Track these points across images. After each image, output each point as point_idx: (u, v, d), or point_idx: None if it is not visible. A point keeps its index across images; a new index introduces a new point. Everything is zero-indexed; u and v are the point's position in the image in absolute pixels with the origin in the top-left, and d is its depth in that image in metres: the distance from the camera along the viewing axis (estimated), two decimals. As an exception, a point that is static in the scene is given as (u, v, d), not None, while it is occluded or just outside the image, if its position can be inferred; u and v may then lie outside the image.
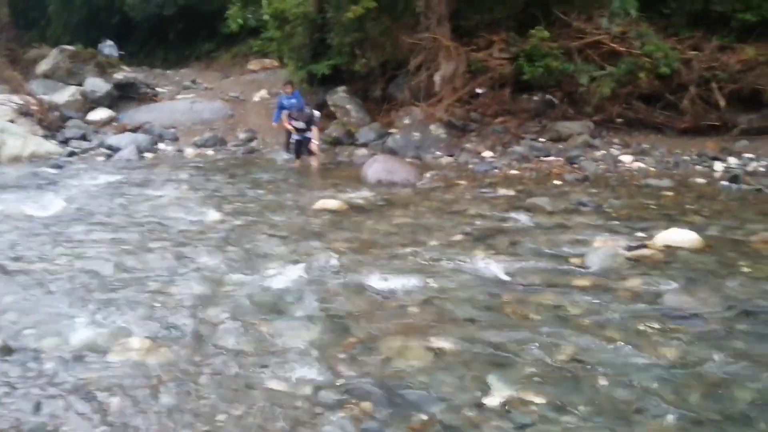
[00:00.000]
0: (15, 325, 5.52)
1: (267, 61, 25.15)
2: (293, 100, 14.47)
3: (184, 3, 27.93)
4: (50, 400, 4.30)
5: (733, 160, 12.31)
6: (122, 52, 27.09)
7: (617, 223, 8.54)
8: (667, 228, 7.76)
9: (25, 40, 28.66)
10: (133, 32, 28.45)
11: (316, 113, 14.56)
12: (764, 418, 3.97)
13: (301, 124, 13.80)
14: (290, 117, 14.09)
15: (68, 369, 4.72)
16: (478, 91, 15.95)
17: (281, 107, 14.61)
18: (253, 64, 26.18)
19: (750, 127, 13.64)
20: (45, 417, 4.10)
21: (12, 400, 4.30)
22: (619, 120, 14.72)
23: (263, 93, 21.22)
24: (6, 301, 6.09)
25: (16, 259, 7.44)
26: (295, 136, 14.05)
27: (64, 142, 17.69)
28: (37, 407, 4.19)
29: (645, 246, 7.32)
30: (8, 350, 4.99)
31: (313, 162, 13.99)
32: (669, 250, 7.19)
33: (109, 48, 26.86)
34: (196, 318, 5.64)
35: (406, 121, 15.86)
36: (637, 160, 12.71)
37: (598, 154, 13.29)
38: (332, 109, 17.38)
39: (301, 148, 14.14)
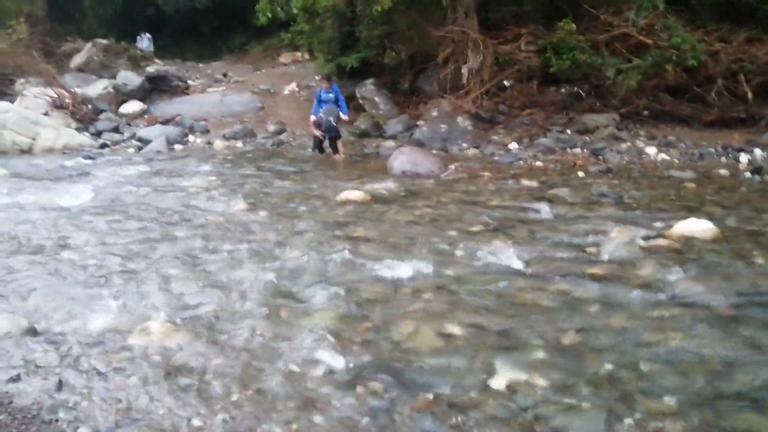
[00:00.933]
0: (41, 309, 5.76)
1: (298, 54, 25.41)
2: (331, 95, 14.48)
3: (216, -4, 28.29)
4: (71, 379, 4.50)
5: (759, 152, 12.22)
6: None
7: (637, 213, 8.58)
8: (685, 218, 7.77)
9: (60, 34, 29.20)
10: (166, 25, 28.88)
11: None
12: (765, 402, 4.05)
13: (331, 123, 13.94)
14: (320, 115, 14.24)
15: (90, 351, 4.92)
16: (506, 83, 16.02)
17: (320, 100, 14.64)
18: (284, 57, 26.47)
19: (777, 119, 13.53)
20: (66, 395, 4.30)
21: (35, 379, 4.50)
22: (646, 112, 14.72)
23: (293, 86, 21.47)
24: (33, 286, 6.34)
25: (45, 246, 7.71)
26: (318, 132, 14.27)
27: (96, 134, 18.10)
28: (59, 386, 4.39)
29: (661, 236, 7.38)
30: (34, 332, 5.21)
31: (337, 156, 14.13)
32: (685, 239, 7.24)
33: (147, 41, 27.39)
34: (216, 303, 5.82)
35: (434, 113, 15.97)
36: (661, 152, 12.68)
37: (624, 146, 13.29)
38: (361, 101, 17.55)
39: (327, 143, 14.32)
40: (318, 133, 14.23)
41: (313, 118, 14.36)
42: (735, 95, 13.97)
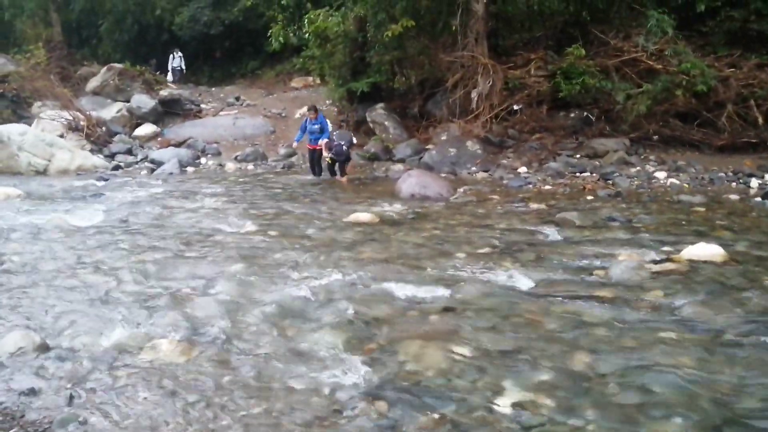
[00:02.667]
0: (53, 325, 5.83)
1: (309, 79, 25.60)
2: (316, 126, 14.67)
3: (230, 22, 28.54)
4: (82, 394, 4.54)
5: (769, 177, 12.24)
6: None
7: (645, 237, 8.58)
8: (694, 243, 7.77)
9: (77, 58, 29.57)
10: (181, 50, 29.09)
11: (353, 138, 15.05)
12: (771, 426, 4.05)
13: (342, 147, 14.05)
14: (333, 138, 14.37)
15: (100, 367, 4.97)
16: (516, 107, 16.08)
17: (304, 130, 14.97)
18: (296, 82, 26.67)
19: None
20: (77, 409, 4.34)
21: (47, 393, 4.56)
22: (656, 137, 14.74)
23: (304, 110, 21.51)
24: (46, 303, 6.42)
25: (58, 264, 7.79)
26: (327, 154, 14.38)
27: (110, 156, 18.29)
28: (70, 400, 4.44)
29: (670, 260, 7.39)
30: (46, 348, 5.28)
31: (343, 179, 14.19)
32: (693, 264, 7.24)
33: (179, 59, 27.72)
34: (225, 322, 5.86)
35: (443, 137, 16.06)
36: (671, 177, 12.70)
37: (633, 170, 13.31)
38: (371, 125, 17.66)
39: (335, 167, 14.43)
40: (328, 155, 14.31)
41: (324, 140, 14.40)
42: (746, 120, 13.99)
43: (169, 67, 28.25)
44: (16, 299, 6.56)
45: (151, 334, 5.59)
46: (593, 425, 4.05)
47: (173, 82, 27.96)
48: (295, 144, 15.88)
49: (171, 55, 28.16)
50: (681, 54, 14.26)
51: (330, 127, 15.14)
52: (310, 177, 14.84)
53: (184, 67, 28.55)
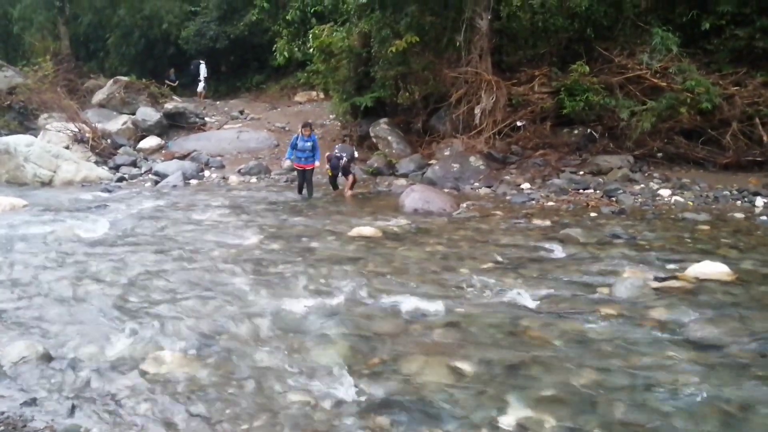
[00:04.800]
0: (57, 336, 5.84)
1: (313, 94, 25.67)
2: (308, 143, 14.03)
3: (235, 36, 28.66)
4: (84, 404, 4.55)
5: (774, 196, 12.20)
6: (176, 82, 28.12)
7: (650, 254, 8.53)
8: (699, 261, 7.74)
9: (84, 71, 29.72)
10: (187, 64, 29.22)
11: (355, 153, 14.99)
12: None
13: (344, 160, 14.04)
14: (332, 154, 14.34)
15: (103, 377, 4.98)
16: (519, 124, 16.08)
17: (294, 147, 14.21)
18: (300, 96, 26.75)
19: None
20: (78, 419, 4.34)
21: (49, 403, 4.57)
22: (660, 155, 14.70)
23: (308, 121, 21.60)
24: (51, 314, 6.43)
25: (62, 275, 7.79)
26: (328, 167, 14.37)
27: (115, 168, 18.33)
28: (72, 410, 4.44)
29: (674, 277, 7.36)
30: (49, 358, 5.29)
31: (347, 192, 14.15)
32: (698, 282, 7.20)
33: (203, 69, 27.86)
34: (227, 335, 5.86)
35: (447, 152, 16.04)
36: (675, 194, 12.65)
37: (637, 188, 13.27)
38: (374, 140, 17.66)
39: (337, 179, 14.44)
40: (328, 167, 14.32)
41: (327, 155, 14.37)
42: (751, 139, 13.92)
43: (201, 77, 28.30)
44: (21, 309, 6.58)
45: (154, 346, 5.60)
46: (598, 443, 4.03)
47: (199, 92, 28.23)
48: (286, 163, 15.47)
49: (201, 66, 28.20)
50: (686, 71, 14.23)
51: (319, 147, 14.49)
52: (298, 196, 14.15)
53: (207, 74, 28.61)
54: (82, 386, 4.83)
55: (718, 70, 14.87)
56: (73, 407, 4.48)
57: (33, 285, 7.41)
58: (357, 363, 5.24)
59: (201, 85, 28.24)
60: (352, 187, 14.25)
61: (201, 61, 28.23)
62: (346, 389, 4.77)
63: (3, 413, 4.42)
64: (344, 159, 14.11)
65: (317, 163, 14.23)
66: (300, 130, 14.43)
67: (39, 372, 5.05)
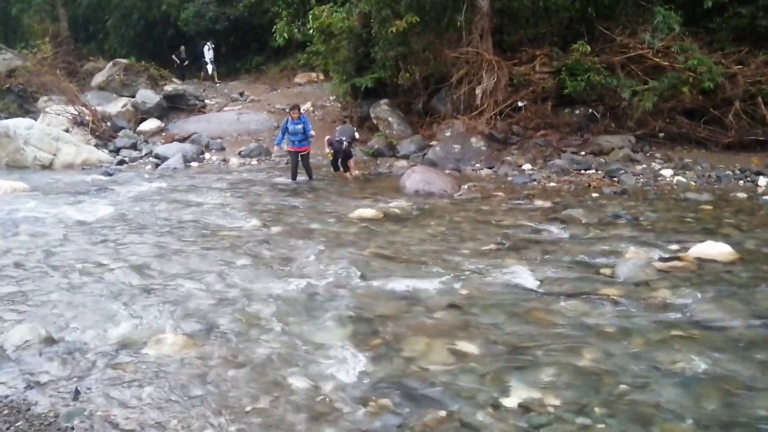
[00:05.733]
0: (60, 319, 5.85)
1: (313, 75, 25.54)
2: (299, 126, 13.75)
3: (235, 18, 28.49)
4: (88, 388, 4.55)
5: (776, 175, 12.15)
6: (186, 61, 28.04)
7: (652, 235, 8.52)
8: (702, 241, 7.71)
9: (84, 53, 29.58)
10: (186, 46, 29.07)
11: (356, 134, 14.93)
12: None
13: (341, 144, 13.97)
14: (333, 137, 14.27)
15: (105, 361, 4.99)
16: (520, 104, 15.99)
17: (286, 131, 13.99)
18: (300, 77, 26.60)
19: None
20: (82, 404, 4.33)
21: (53, 387, 4.58)
22: (662, 134, 14.61)
23: (308, 105, 21.54)
24: (53, 297, 6.43)
25: (64, 258, 7.80)
26: (329, 150, 14.26)
27: (115, 151, 18.30)
28: (75, 394, 4.44)
29: (677, 258, 7.34)
30: (51, 341, 5.29)
31: (348, 175, 14.08)
32: (701, 262, 7.18)
33: (210, 51, 27.72)
34: (229, 317, 5.86)
35: (447, 133, 15.96)
36: (677, 175, 12.60)
37: (639, 168, 13.21)
38: (375, 121, 17.58)
39: (339, 162, 14.34)
40: (329, 151, 14.24)
41: (327, 138, 14.28)
42: (753, 118, 13.83)
43: (207, 59, 28.16)
44: (22, 292, 6.58)
45: (155, 329, 5.61)
46: (602, 425, 4.03)
47: (210, 75, 28.11)
48: (276, 148, 15.04)
49: (206, 47, 28.03)
50: (688, 51, 14.12)
51: (310, 128, 14.12)
52: (291, 182, 13.70)
53: (212, 59, 28.44)
54: (85, 370, 4.83)
55: (720, 49, 14.75)
56: (77, 391, 4.48)
57: (34, 268, 7.41)
58: (359, 345, 5.24)
59: (210, 67, 28.13)
60: (353, 169, 14.19)
61: (207, 43, 28.08)
62: (348, 371, 4.77)
63: (6, 397, 4.43)
64: (345, 143, 14.05)
65: (309, 146, 14.03)
66: (289, 113, 14.26)
67: (42, 356, 5.06)
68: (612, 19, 15.88)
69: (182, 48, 28.93)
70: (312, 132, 14.02)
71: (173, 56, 28.57)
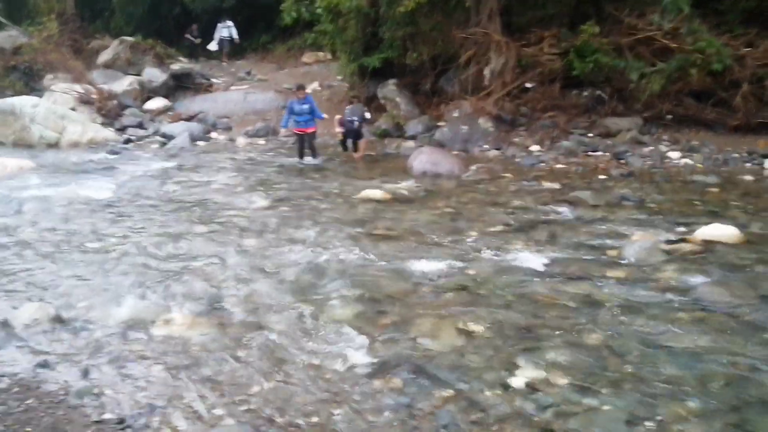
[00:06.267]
0: (68, 298, 5.89)
1: (320, 54, 25.42)
2: (305, 106, 13.62)
3: (242, -5, 28.35)
4: (96, 366, 4.59)
5: (783, 158, 12.11)
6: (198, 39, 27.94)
7: (659, 217, 8.53)
8: (708, 223, 7.71)
9: (90, 31, 29.44)
10: (193, 24, 28.96)
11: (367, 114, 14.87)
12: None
13: (353, 123, 13.92)
14: (346, 114, 14.21)
15: (114, 339, 5.04)
16: (528, 85, 15.94)
17: (291, 112, 13.79)
18: (307, 57, 26.48)
19: (805, 126, 13.36)
20: (91, 381, 4.38)
21: (62, 365, 4.62)
22: (669, 116, 14.55)
23: (315, 85, 21.49)
24: (60, 276, 6.47)
25: (71, 237, 7.85)
26: (340, 129, 14.19)
27: (121, 129, 18.24)
28: (85, 372, 4.49)
29: (684, 240, 7.35)
30: (60, 320, 5.33)
31: (356, 155, 14.06)
32: (707, 244, 7.19)
33: (228, 29, 27.56)
34: (237, 297, 5.90)
35: (455, 114, 15.90)
36: (684, 157, 12.57)
37: (646, 150, 13.19)
38: (382, 101, 17.53)
39: (348, 141, 14.31)
40: (340, 131, 14.20)
41: (338, 117, 14.19)
42: (761, 100, 13.77)
43: (215, 37, 28.03)
44: (31, 271, 6.63)
45: (164, 308, 5.65)
46: (608, 405, 4.06)
47: (219, 53, 27.91)
48: (282, 130, 14.73)
49: (219, 24, 27.88)
50: (696, 32, 14.03)
51: (317, 107, 14.04)
52: (298, 161, 13.59)
53: (236, 36, 28.21)
54: (93, 348, 4.88)
55: (729, 31, 14.65)
56: (86, 369, 4.53)
57: (42, 247, 7.46)
58: (368, 325, 5.29)
59: (213, 45, 27.98)
60: (361, 151, 14.17)
61: (221, 20, 27.90)
62: (356, 351, 4.81)
63: (17, 375, 4.48)
64: (356, 122, 13.98)
65: (318, 122, 13.94)
66: (295, 93, 14.08)
67: (51, 334, 5.11)
68: (621, 0, 15.77)
69: (194, 26, 28.80)
70: (324, 115, 13.99)
71: (186, 35, 28.43)
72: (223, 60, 27.67)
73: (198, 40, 28.28)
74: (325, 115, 13.93)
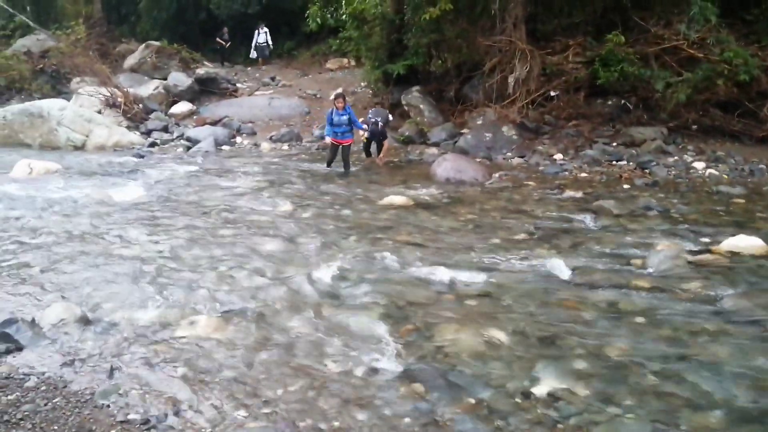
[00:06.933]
0: (93, 299, 5.95)
1: (344, 61, 25.56)
2: (344, 116, 13.19)
3: (267, 2, 28.53)
4: (122, 367, 4.64)
5: (810, 170, 11.99)
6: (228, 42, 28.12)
7: (683, 227, 8.47)
8: (734, 234, 7.66)
9: (116, 36, 29.80)
10: (217, 29, 29.21)
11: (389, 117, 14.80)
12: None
13: (378, 125, 13.84)
14: (369, 116, 14.14)
15: (139, 341, 5.08)
16: (552, 94, 15.91)
17: (331, 123, 13.27)
18: (331, 63, 26.63)
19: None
20: (117, 382, 4.43)
21: (88, 365, 4.67)
22: (695, 127, 14.47)
23: (339, 91, 21.52)
24: (86, 277, 6.54)
25: (97, 239, 7.94)
26: (364, 131, 14.07)
27: (147, 133, 18.43)
28: (111, 373, 4.53)
29: (709, 251, 7.31)
30: (86, 321, 5.39)
31: (378, 160, 14.04)
32: (733, 255, 7.14)
33: (264, 35, 27.80)
34: (261, 301, 5.93)
35: (479, 121, 15.92)
36: (709, 167, 12.47)
37: (671, 160, 13.11)
38: (406, 108, 17.57)
39: (372, 146, 14.28)
40: (364, 134, 14.11)
41: (361, 120, 14.10)
42: (789, 112, 13.69)
43: (253, 44, 28.29)
44: (58, 272, 6.71)
45: (188, 310, 5.69)
46: (631, 415, 4.05)
47: (257, 59, 28.20)
48: (327, 140, 13.68)
49: (256, 31, 28.14)
50: (723, 42, 13.96)
51: (357, 118, 13.69)
52: (322, 167, 13.44)
53: (271, 43, 28.45)
54: (119, 349, 4.93)
55: (757, 41, 14.55)
56: (112, 369, 4.57)
57: (68, 248, 7.54)
58: (390, 331, 5.29)
59: (252, 53, 28.36)
60: (385, 154, 14.17)
61: (258, 27, 28.10)
62: (379, 357, 4.81)
63: (44, 374, 4.53)
64: (380, 124, 13.91)
65: (357, 137, 13.77)
66: (333, 102, 13.61)
67: (77, 334, 5.16)
68: (647, 9, 15.70)
69: (225, 29, 29.05)
70: (364, 126, 13.70)
71: (217, 38, 28.69)
72: (260, 66, 27.86)
73: (227, 44, 28.49)
74: (364, 126, 13.70)
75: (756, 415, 4.07)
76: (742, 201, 10.06)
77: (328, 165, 13.50)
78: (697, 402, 4.19)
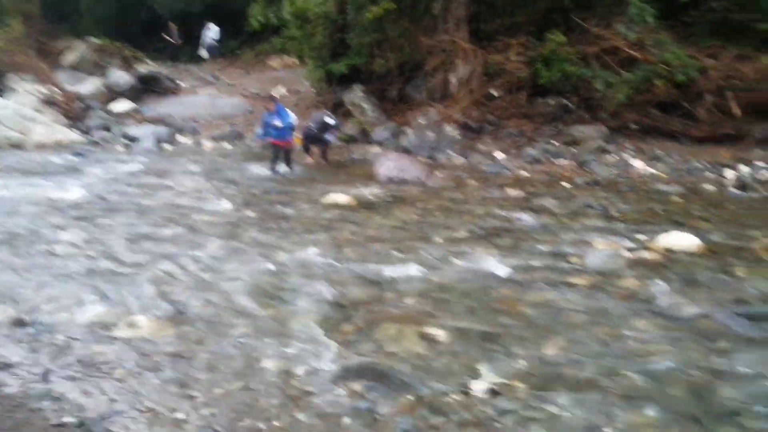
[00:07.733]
0: (30, 300, 5.80)
1: (287, 59, 25.39)
2: (275, 116, 12.94)
3: (210, 0, 28.22)
4: (58, 369, 4.52)
5: (744, 169, 12.25)
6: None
7: (622, 225, 8.60)
8: (670, 232, 7.81)
9: (56, 33, 29.12)
10: (161, 28, 28.80)
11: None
12: (747, 416, 4.05)
13: (310, 130, 13.89)
14: (307, 127, 14.13)
15: (76, 342, 4.96)
16: (494, 93, 16.01)
17: (266, 125, 13.17)
18: (274, 62, 26.45)
19: (765, 137, 13.55)
20: (51, 385, 4.31)
21: (22, 369, 4.54)
22: (634, 126, 14.71)
23: (283, 91, 21.44)
24: (23, 278, 6.38)
25: (34, 239, 7.74)
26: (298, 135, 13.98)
27: (87, 131, 18.06)
28: (45, 376, 4.41)
29: (646, 248, 7.43)
30: (21, 323, 5.25)
31: (311, 159, 14.09)
32: (670, 253, 7.27)
33: (212, 32, 27.30)
34: (201, 300, 5.85)
35: (422, 121, 15.95)
36: (649, 166, 12.72)
37: (611, 159, 13.33)
38: (349, 107, 17.54)
39: (312, 146, 14.24)
40: (298, 136, 13.97)
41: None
42: (724, 112, 13.98)
43: (203, 42, 27.88)
44: (-9, 273, 6.51)
45: (127, 311, 5.59)
46: (568, 412, 4.07)
47: (208, 58, 27.82)
48: (257, 141, 14.09)
49: (203, 30, 27.72)
50: (662, 43, 14.27)
51: (292, 117, 13.32)
52: (269, 173, 13.01)
53: (220, 41, 28.12)
54: (55, 351, 4.80)
55: (695, 43, 14.85)
56: (47, 372, 4.45)
57: (4, 249, 7.34)
58: (331, 330, 5.25)
59: (203, 52, 28.02)
60: (324, 155, 14.14)
61: (206, 24, 27.74)
62: (320, 356, 4.77)
63: (-25, 377, 4.40)
64: (314, 129, 13.93)
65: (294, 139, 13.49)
66: (265, 104, 13.62)
67: (11, 337, 5.01)
68: (588, 10, 15.92)
69: (172, 25, 28.59)
70: (294, 122, 13.36)
71: (163, 34, 28.24)
72: (214, 65, 27.55)
73: (179, 42, 28.07)
74: (295, 122, 13.38)
75: (691, 412, 4.11)
76: (679, 200, 10.27)
77: (272, 168, 13.10)
78: (632, 399, 4.22)
